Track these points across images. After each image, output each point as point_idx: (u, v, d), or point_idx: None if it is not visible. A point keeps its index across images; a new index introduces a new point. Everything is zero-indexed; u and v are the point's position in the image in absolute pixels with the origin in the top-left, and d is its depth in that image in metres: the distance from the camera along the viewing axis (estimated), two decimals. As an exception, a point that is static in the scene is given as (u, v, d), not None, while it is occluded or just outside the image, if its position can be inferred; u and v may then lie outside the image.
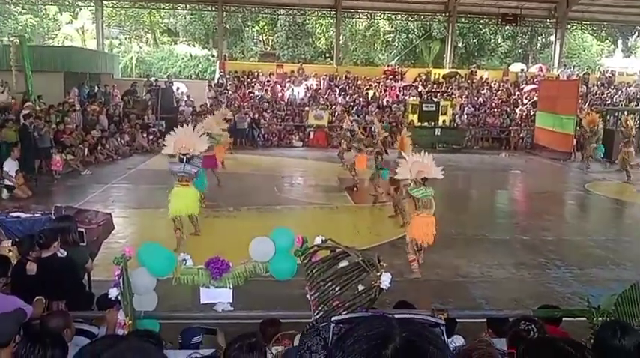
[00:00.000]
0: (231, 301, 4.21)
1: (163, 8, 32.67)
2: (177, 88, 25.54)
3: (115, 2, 30.14)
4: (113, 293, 3.80)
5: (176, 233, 8.62)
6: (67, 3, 30.82)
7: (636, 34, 35.88)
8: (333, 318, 1.17)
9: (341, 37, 31.73)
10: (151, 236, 8.09)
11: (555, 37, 31.74)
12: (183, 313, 4.63)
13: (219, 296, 4.16)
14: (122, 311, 3.81)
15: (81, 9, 31.50)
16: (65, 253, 4.85)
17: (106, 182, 14.08)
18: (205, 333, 4.50)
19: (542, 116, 22.68)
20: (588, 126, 18.27)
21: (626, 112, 22.34)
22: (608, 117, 22.86)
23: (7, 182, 12.09)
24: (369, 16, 31.97)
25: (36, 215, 6.58)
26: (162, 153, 9.53)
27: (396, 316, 0.95)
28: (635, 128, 17.60)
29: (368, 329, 0.90)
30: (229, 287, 4.12)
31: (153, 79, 25.58)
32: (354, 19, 34.09)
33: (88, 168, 15.69)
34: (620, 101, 26.56)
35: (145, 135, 20.41)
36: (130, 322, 3.77)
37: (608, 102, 26.37)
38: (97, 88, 22.42)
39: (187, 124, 10.23)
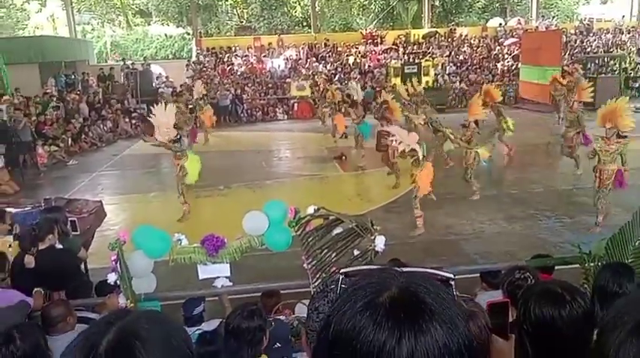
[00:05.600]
0: (229, 276, 4.26)
1: (133, -12, 31.93)
2: (159, 74, 25.12)
3: (83, -14, 29.41)
4: (112, 278, 3.83)
5: (184, 206, 9.12)
6: (34, -9, 30.04)
7: (612, -21, 35.67)
8: (342, 270, 1.19)
9: (317, 4, 31.27)
10: (143, 220, 8.10)
11: (532, -13, 31.55)
12: (182, 292, 4.67)
13: (217, 271, 4.20)
14: (122, 295, 3.84)
15: (48, -4, 30.73)
16: (60, 246, 4.86)
17: (93, 170, 13.99)
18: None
19: (527, 69, 22.31)
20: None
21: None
22: (588, 66, 22.93)
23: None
24: (343, -20, 31.47)
25: (26, 208, 6.55)
26: (152, 145, 9.39)
27: (405, 270, 0.96)
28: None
29: (370, 280, 0.91)
30: (226, 262, 4.16)
31: (129, 62, 25.17)
32: (329, -15, 33.57)
33: (73, 158, 15.55)
34: (598, 48, 26.60)
35: (127, 120, 20.17)
36: (132, 305, 3.81)
37: (588, 50, 26.39)
38: (73, 76, 22.05)
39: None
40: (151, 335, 0.89)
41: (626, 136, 7.68)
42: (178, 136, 9.13)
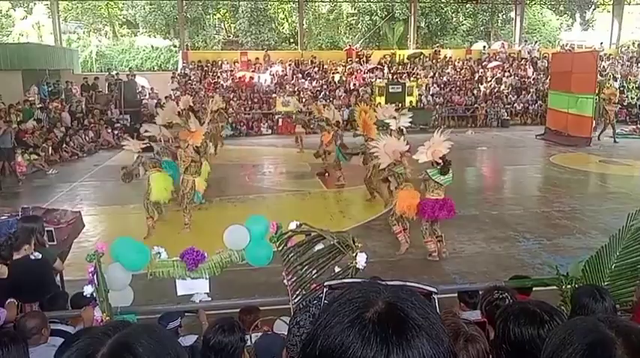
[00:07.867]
0: (208, 291, 4.21)
1: (121, -1, 31.96)
2: (143, 86, 24.98)
3: (70, -5, 29.34)
4: (88, 290, 3.76)
5: (148, 220, 8.74)
6: (21, -2, 29.90)
7: (593, 7, 36.60)
8: (326, 283, 1.19)
9: (304, 22, 31.53)
10: (122, 232, 8.00)
11: (515, 12, 32.22)
12: (160, 306, 4.60)
13: (196, 287, 4.15)
14: (98, 308, 3.78)
15: (35, 4, 30.56)
16: (40, 255, 4.76)
17: (73, 180, 13.82)
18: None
19: (555, 96, 19.82)
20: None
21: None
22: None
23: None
24: (331, -2, 31.85)
25: (2, 217, 6.42)
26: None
27: (389, 283, 0.97)
28: None
29: (355, 294, 0.91)
30: (206, 278, 4.12)
31: (114, 72, 25.05)
32: (317, 3, 33.91)
33: (53, 167, 15.36)
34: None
35: (109, 130, 20.01)
36: (108, 318, 3.74)
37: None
38: (57, 85, 21.87)
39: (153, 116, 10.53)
40: (145, 350, 0.88)
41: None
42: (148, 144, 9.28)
